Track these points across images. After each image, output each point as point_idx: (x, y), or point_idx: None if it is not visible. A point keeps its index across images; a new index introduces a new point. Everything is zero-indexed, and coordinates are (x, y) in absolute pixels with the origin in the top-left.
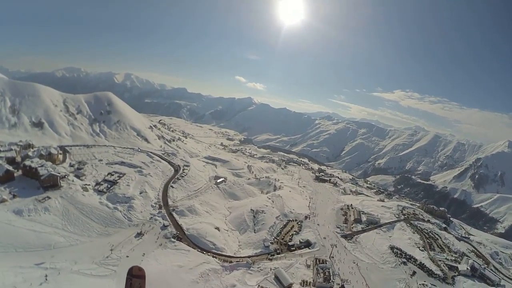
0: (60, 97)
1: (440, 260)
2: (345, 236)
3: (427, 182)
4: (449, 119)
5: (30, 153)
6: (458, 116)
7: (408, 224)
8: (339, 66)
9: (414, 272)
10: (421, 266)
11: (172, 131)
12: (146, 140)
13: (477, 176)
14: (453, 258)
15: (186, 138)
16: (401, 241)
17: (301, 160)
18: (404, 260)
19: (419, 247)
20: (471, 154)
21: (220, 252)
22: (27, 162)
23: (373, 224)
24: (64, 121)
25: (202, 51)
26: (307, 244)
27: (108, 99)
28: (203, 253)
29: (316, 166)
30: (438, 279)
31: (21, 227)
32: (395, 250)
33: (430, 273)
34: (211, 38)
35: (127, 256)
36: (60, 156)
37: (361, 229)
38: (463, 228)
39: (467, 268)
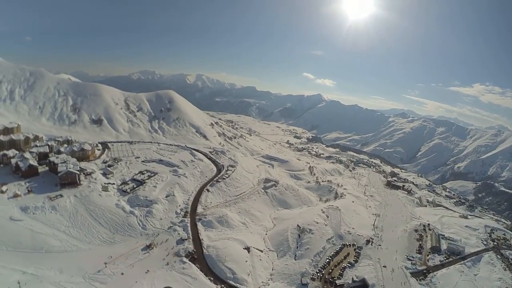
0: (122, 95)
1: None
2: (417, 274)
3: None
4: None
5: (62, 149)
6: None
7: (498, 256)
8: (412, 59)
9: None
10: None
11: (236, 128)
12: (204, 137)
13: None
14: None
15: (251, 135)
16: (489, 284)
17: (372, 161)
18: None
19: None
20: None
21: (239, 286)
22: (52, 158)
23: (456, 255)
24: (123, 118)
25: (268, 51)
26: (363, 286)
27: (169, 97)
28: (216, 284)
29: (388, 169)
30: None
31: (20, 225)
32: None
33: None
34: (277, 38)
35: (122, 274)
36: (97, 152)
37: (439, 262)
38: None
39: None
